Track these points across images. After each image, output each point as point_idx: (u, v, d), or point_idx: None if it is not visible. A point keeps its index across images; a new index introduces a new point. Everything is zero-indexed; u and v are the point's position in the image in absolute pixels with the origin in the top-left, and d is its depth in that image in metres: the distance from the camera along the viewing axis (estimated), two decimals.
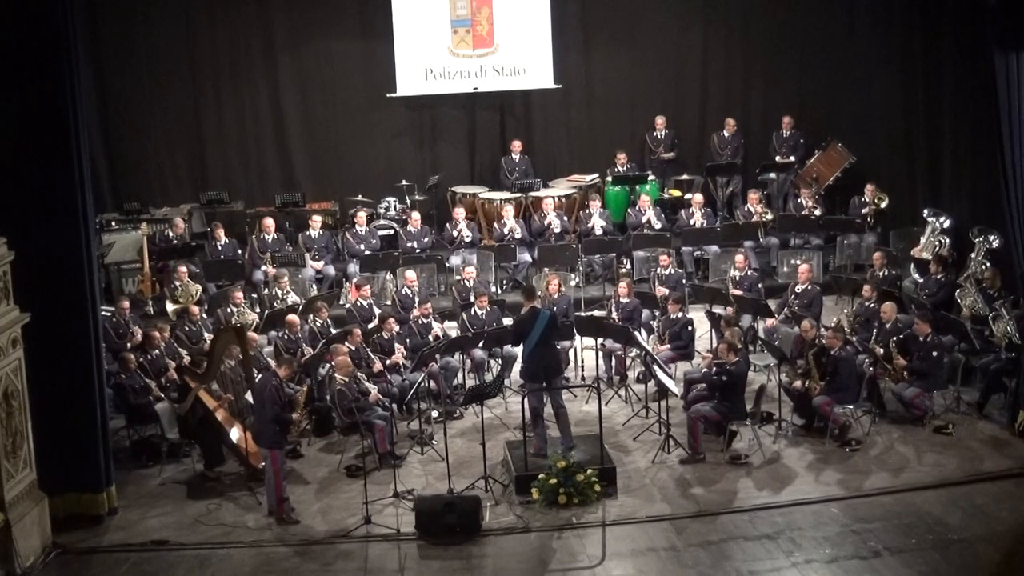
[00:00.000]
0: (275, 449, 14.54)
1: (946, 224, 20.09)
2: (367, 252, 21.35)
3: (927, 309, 17.52)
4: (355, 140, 24.76)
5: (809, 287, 18.85)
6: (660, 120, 24.33)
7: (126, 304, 18.69)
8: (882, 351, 16.70)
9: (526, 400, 15.41)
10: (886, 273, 19.34)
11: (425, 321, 18.10)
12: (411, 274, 19.63)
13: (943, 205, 20.82)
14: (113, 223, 22.44)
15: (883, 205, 21.77)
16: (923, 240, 20.30)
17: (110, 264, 21.36)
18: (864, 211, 21.71)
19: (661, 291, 19.14)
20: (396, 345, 17.52)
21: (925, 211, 20.60)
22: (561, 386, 15.94)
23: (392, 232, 22.48)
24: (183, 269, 20.09)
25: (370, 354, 17.02)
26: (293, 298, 19.42)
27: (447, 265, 21.39)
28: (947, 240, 19.99)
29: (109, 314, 18.11)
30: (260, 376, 15.42)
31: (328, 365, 16.55)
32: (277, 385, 14.60)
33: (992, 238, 18.44)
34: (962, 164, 20.86)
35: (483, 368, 18.21)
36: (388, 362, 17.05)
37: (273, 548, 14.09)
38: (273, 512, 14.59)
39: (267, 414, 14.49)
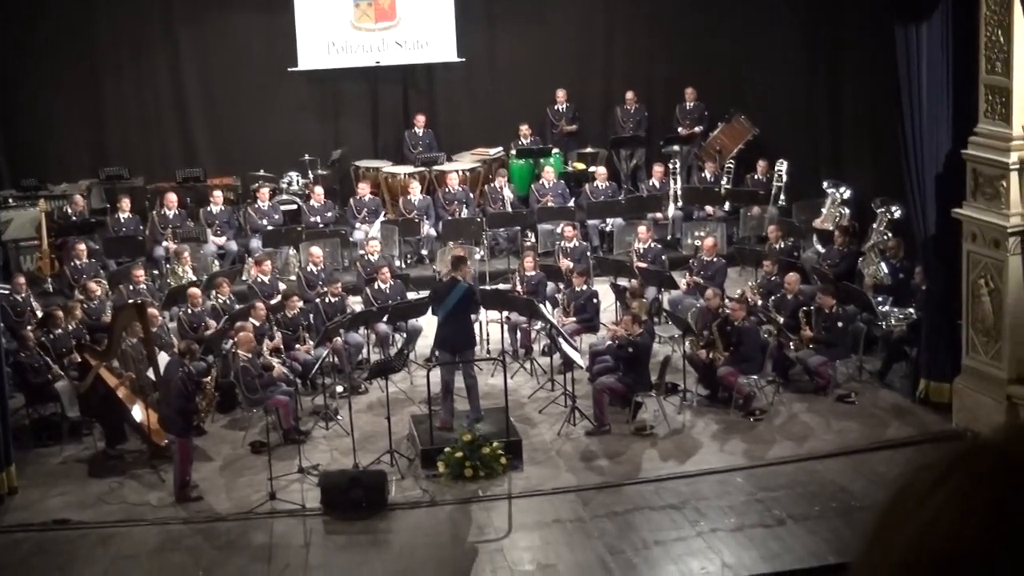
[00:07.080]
0: (183, 436, 14.41)
1: (846, 195, 20.24)
2: (270, 227, 21.16)
3: (830, 281, 17.67)
4: (257, 115, 24.38)
5: (714, 259, 18.94)
6: (561, 93, 24.26)
7: (21, 281, 18.36)
8: (783, 321, 16.85)
9: (439, 372, 15.38)
10: (783, 245, 19.51)
11: (334, 299, 17.94)
12: (316, 250, 19.48)
13: (846, 177, 20.96)
14: (10, 200, 21.93)
15: (782, 176, 21.90)
16: (824, 211, 20.44)
17: (7, 241, 20.97)
18: (775, 185, 21.84)
19: (566, 264, 19.14)
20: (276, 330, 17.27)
21: (824, 183, 20.74)
22: (468, 359, 15.92)
23: (295, 207, 22.30)
24: (82, 246, 19.80)
25: (274, 329, 16.83)
26: (190, 276, 19.21)
27: (350, 240, 21.26)
28: (847, 211, 20.16)
29: (6, 292, 17.81)
30: (168, 361, 15.24)
31: (231, 341, 16.39)
32: (184, 376, 14.39)
33: (894, 209, 18.63)
34: (864, 136, 21.03)
35: (388, 342, 18.13)
36: (267, 346, 16.57)
37: (177, 526, 13.97)
38: (175, 493, 14.46)
39: (173, 405, 14.35)
